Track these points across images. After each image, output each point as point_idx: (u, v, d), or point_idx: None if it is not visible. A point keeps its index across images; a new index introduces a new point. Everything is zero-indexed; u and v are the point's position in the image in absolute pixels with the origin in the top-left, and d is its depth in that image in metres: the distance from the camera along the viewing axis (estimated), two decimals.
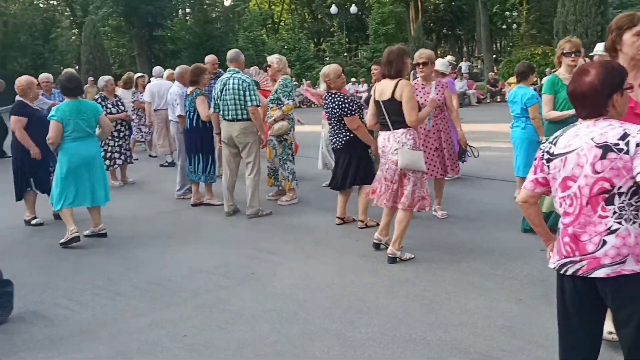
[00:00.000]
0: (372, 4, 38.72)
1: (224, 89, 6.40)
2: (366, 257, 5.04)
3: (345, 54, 37.00)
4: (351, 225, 6.04)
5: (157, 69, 11.47)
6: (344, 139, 5.83)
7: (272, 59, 7.21)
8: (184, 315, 3.99)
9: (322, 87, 6.11)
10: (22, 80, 6.49)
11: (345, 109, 5.70)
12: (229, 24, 39.33)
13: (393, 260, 4.83)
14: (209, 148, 7.09)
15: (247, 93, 6.31)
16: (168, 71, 11.76)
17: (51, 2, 43.32)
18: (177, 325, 3.83)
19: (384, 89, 4.79)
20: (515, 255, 4.90)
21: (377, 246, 5.16)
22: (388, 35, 34.51)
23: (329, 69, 5.97)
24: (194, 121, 6.95)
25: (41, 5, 42.16)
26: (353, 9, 37.14)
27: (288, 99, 6.92)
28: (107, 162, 8.55)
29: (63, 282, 4.73)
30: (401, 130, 4.72)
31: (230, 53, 6.72)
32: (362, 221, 5.94)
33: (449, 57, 18.89)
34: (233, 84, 6.36)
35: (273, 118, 6.90)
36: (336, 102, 5.76)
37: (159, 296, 4.36)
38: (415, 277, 4.51)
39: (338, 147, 5.91)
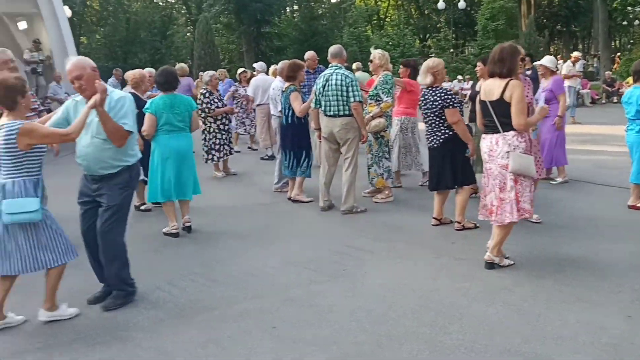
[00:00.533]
0: None
1: (326, 84, 6.42)
2: (462, 261, 4.86)
3: (452, 50, 36.10)
4: (448, 227, 5.86)
5: (260, 64, 11.75)
6: (442, 136, 5.66)
7: (375, 53, 7.13)
8: (274, 307, 4.04)
9: (424, 79, 5.81)
10: (135, 73, 6.87)
11: (448, 101, 5.54)
12: (334, 20, 39.67)
13: (491, 266, 4.63)
14: (304, 144, 7.15)
15: (350, 89, 6.29)
16: (273, 67, 12.06)
17: (169, 0, 45.81)
18: (267, 316, 3.90)
19: (491, 88, 4.54)
20: (626, 268, 4.53)
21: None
22: (497, 32, 33.16)
23: (435, 61, 5.82)
24: (290, 117, 7.04)
25: (160, 3, 44.68)
26: (461, 4, 36.07)
27: (387, 96, 6.83)
28: (212, 154, 8.90)
29: (164, 267, 4.97)
30: (512, 133, 4.45)
31: (334, 49, 6.71)
32: (460, 222, 5.75)
33: (576, 54, 17.83)
34: (336, 79, 6.36)
35: (371, 115, 6.84)
36: (438, 95, 5.61)
37: (251, 286, 4.46)
38: (513, 285, 4.29)
39: (435, 145, 5.74)
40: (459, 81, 25.88)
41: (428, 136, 5.84)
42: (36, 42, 15.30)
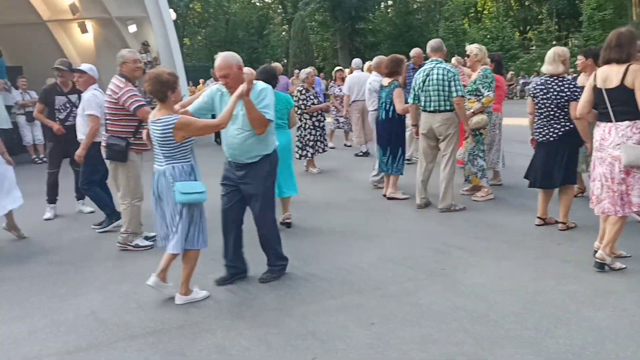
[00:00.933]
0: None
1: (427, 79, 6.32)
2: (569, 263, 4.63)
3: (554, 43, 34.33)
4: (552, 227, 5.61)
5: (356, 60, 11.74)
6: (561, 129, 5.32)
7: (472, 48, 6.94)
8: (371, 303, 4.05)
9: (555, 68, 5.39)
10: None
11: (576, 94, 5.15)
12: (429, 14, 39.02)
13: (601, 266, 4.37)
14: (400, 140, 7.08)
15: (452, 83, 6.17)
16: (368, 63, 12.06)
17: (266, 0, 46.96)
18: (364, 312, 3.90)
19: (608, 75, 4.28)
20: None
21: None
22: (605, 22, 31.19)
23: (564, 50, 5.47)
24: (390, 112, 6.99)
25: (257, 4, 45.94)
26: None
27: (488, 90, 6.62)
28: (307, 150, 9.04)
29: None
30: (626, 123, 4.20)
31: (434, 42, 6.59)
32: (564, 223, 5.48)
33: None
34: (437, 74, 6.25)
35: (472, 110, 6.66)
36: (566, 86, 5.26)
37: (347, 282, 4.49)
38: (625, 290, 4.03)
39: (551, 138, 5.38)
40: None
41: (540, 129, 5.47)
42: (144, 44, 16.20)
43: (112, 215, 6.30)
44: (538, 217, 5.74)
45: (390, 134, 7.03)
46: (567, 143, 5.33)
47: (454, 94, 6.16)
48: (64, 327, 3.90)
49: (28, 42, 16.18)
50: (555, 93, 5.29)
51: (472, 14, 45.34)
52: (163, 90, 4.02)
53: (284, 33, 44.34)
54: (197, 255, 4.24)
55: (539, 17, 40.92)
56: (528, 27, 42.80)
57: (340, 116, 12.09)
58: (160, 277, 4.23)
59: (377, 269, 4.74)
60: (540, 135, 5.50)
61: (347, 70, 13.35)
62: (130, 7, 16.14)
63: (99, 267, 5.14)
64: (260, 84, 4.34)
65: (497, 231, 5.64)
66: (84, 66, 6.40)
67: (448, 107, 6.25)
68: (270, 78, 6.12)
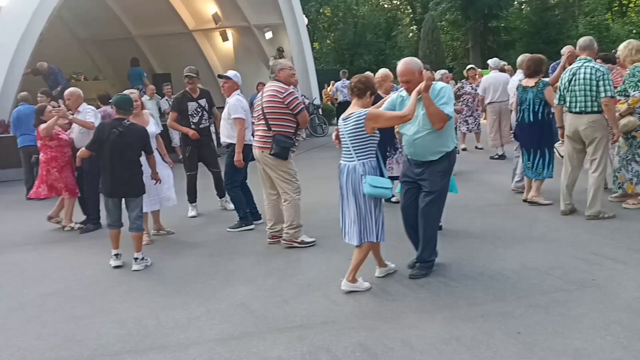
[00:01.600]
0: None
1: (573, 79, 6.00)
2: None
3: None
4: None
5: (494, 60, 11.36)
6: None
7: (621, 46, 6.45)
8: (517, 311, 3.92)
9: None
10: (378, 74, 7.19)
11: None
12: (568, 10, 36.69)
13: None
14: (550, 143, 6.76)
15: (602, 83, 5.80)
16: (501, 63, 11.71)
17: (394, 2, 46.84)
18: (510, 320, 3.80)
19: None
20: None
21: None
22: None
23: None
24: (539, 114, 6.70)
25: (385, 6, 45.93)
26: None
27: (635, 90, 6.11)
28: None
29: (403, 261, 5.09)
30: None
31: (584, 41, 6.21)
32: None
33: None
34: (584, 73, 5.91)
35: (619, 112, 6.20)
36: None
37: (490, 288, 4.38)
38: None
39: None
40: None
41: None
42: (279, 50, 16.86)
43: (245, 218, 6.63)
44: None
45: (538, 136, 6.73)
46: None
47: (602, 94, 5.78)
48: (218, 316, 4.21)
49: (175, 50, 17.53)
50: None
51: (616, 8, 41.94)
52: (364, 90, 4.44)
53: (411, 34, 43.91)
54: (370, 247, 4.47)
55: None
56: None
57: (470, 116, 11.77)
58: (381, 267, 4.73)
59: (522, 276, 4.58)
60: None
61: (478, 70, 12.98)
62: (268, 14, 16.93)
63: (246, 261, 5.47)
64: (439, 84, 4.59)
65: None
66: (230, 73, 6.81)
67: (596, 109, 5.88)
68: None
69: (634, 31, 30.77)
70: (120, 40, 18.43)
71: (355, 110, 4.41)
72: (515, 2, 38.50)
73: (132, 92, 6.05)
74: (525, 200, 6.95)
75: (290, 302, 4.39)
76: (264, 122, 5.68)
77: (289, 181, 5.73)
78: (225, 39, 18.00)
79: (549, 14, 34.84)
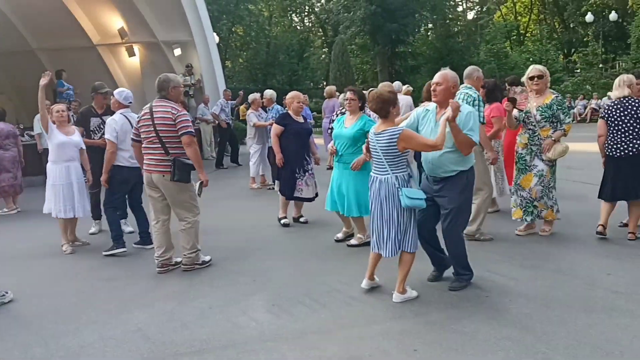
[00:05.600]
0: (637, 9, 34.50)
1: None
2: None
3: (601, 66, 33.70)
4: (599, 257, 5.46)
5: (396, 84, 11.76)
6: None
7: (540, 68, 6.31)
8: (415, 329, 4.00)
9: (620, 92, 6.06)
10: (287, 95, 7.63)
11: None
12: (470, 37, 38.83)
13: None
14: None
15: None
16: (406, 87, 12.20)
17: (307, 24, 47.63)
18: (407, 337, 3.86)
19: None
20: None
21: None
22: None
23: (628, 76, 6.14)
24: None
25: (298, 27, 46.59)
26: (612, 15, 33.71)
27: (568, 117, 6.21)
28: None
29: (306, 282, 5.10)
30: None
31: (467, 70, 6.33)
32: (634, 233, 5.88)
33: None
34: (459, 99, 6.02)
35: (553, 138, 6.13)
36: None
37: (390, 306, 4.44)
38: None
39: (630, 153, 5.93)
40: (609, 98, 24.00)
41: (617, 145, 6.00)
42: (188, 67, 16.63)
43: (117, 240, 6.30)
44: (601, 225, 6.02)
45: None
46: None
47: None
48: (112, 342, 3.99)
49: (79, 65, 16.79)
50: (634, 111, 5.89)
51: (515, 37, 44.92)
52: (385, 108, 4.48)
53: (323, 56, 44.73)
54: (412, 258, 4.55)
55: (585, 39, 40.25)
56: (573, 50, 42.11)
57: None
58: (370, 279, 4.79)
59: (421, 294, 4.66)
60: (618, 151, 5.99)
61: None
62: (177, 31, 16.63)
63: (145, 285, 5.25)
64: (466, 108, 4.59)
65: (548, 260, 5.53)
66: (116, 90, 6.69)
67: None
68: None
69: (531, 59, 32.96)
70: (18, 53, 17.43)
71: (388, 127, 4.47)
72: (422, 29, 40.28)
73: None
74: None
75: (189, 326, 4.23)
76: (159, 145, 5.36)
77: (191, 204, 5.53)
78: (131, 54, 17.48)
79: (452, 41, 36.75)
